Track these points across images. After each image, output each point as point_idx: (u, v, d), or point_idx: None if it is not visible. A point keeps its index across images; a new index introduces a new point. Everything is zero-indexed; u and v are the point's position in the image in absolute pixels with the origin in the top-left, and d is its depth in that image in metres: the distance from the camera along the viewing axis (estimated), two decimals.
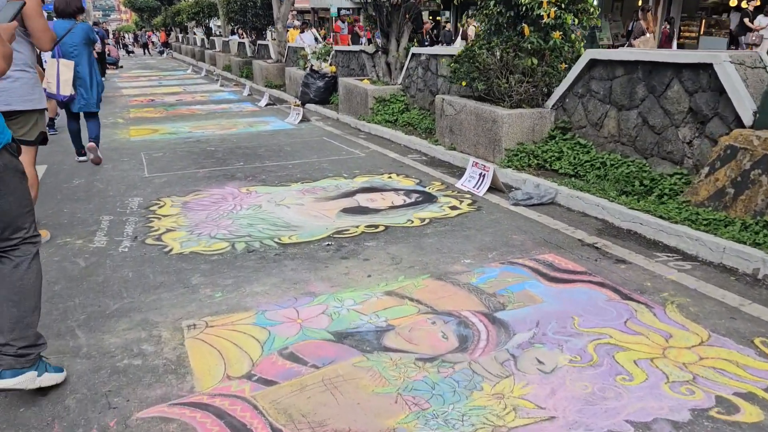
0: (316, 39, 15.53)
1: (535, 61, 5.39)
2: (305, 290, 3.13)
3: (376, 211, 4.52)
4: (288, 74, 12.56)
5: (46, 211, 4.57)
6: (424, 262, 3.50)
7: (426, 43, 16.90)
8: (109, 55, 19.52)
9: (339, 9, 33.16)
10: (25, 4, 2.38)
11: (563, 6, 5.33)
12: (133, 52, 38.11)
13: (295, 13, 26.17)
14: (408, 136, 7.06)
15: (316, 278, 3.29)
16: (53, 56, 5.66)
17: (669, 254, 3.55)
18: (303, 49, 12.47)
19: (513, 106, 5.58)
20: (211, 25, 26.24)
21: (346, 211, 4.53)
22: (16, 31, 2.72)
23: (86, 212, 4.57)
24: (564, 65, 5.59)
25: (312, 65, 10.91)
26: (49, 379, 2.22)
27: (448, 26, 20.86)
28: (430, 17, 22.97)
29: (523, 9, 5.35)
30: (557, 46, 5.37)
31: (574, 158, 5.07)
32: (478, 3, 5.99)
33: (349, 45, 9.14)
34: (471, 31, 18.13)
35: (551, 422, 2.05)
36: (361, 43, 8.10)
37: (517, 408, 2.13)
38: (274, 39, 15.29)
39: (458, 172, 5.71)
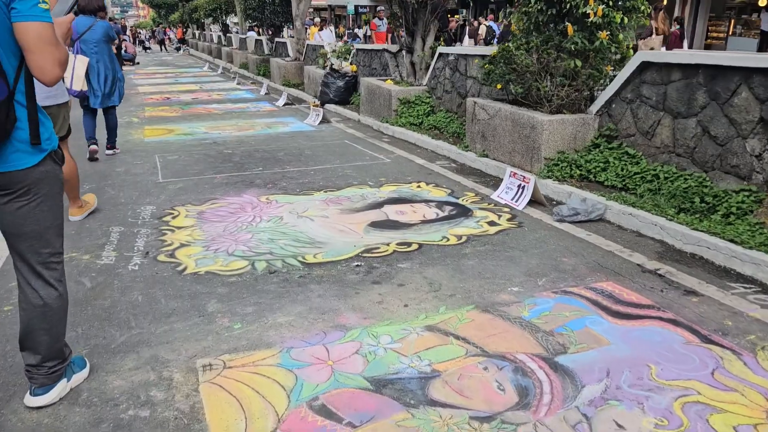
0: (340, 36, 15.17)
1: (579, 63, 4.97)
2: (335, 322, 2.77)
3: (408, 225, 4.14)
4: (307, 73, 12.22)
5: None
6: (466, 289, 3.12)
7: (455, 43, 16.47)
8: (125, 51, 19.33)
9: (356, 6, 32.85)
10: None
11: (611, 3, 4.90)
12: (150, 48, 38.06)
13: (311, 10, 25.84)
14: (435, 141, 6.67)
15: (347, 307, 2.92)
16: (73, 52, 5.72)
17: (745, 285, 3.13)
18: (322, 47, 12.12)
19: (553, 111, 5.16)
20: (228, 21, 26.03)
21: (375, 225, 4.16)
22: None
23: (95, 222, 4.25)
24: (609, 68, 5.16)
25: (332, 64, 10.55)
26: (77, 379, 2.27)
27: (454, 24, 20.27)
28: (448, 15, 22.43)
29: (567, 6, 4.93)
30: (603, 47, 4.94)
31: (622, 169, 4.65)
32: (516, 0, 5.58)
33: (387, 44, 8.77)
34: (482, 31, 17.63)
35: None
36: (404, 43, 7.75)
37: None
38: (293, 36, 14.96)
39: (492, 181, 5.32)
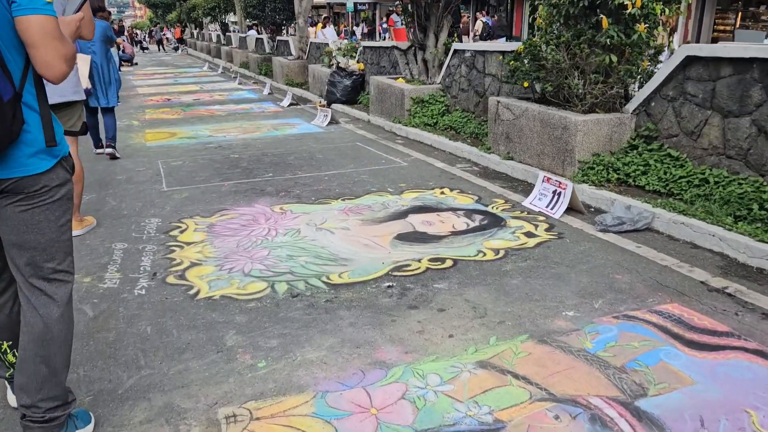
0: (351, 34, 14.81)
1: (614, 59, 4.62)
2: (373, 358, 2.42)
3: (437, 238, 3.79)
4: (311, 72, 11.85)
5: None
6: (516, 314, 2.77)
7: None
8: (123, 51, 18.94)
9: (355, 4, 32.41)
10: None
11: None
12: (147, 48, 37.62)
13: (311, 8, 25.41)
14: (454, 143, 6.31)
15: (384, 339, 2.58)
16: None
17: None
18: (327, 45, 11.75)
19: (585, 110, 4.81)
20: (227, 21, 25.62)
21: (401, 237, 3.81)
22: None
23: (97, 238, 3.90)
24: (646, 63, 4.81)
25: (338, 62, 10.19)
26: None
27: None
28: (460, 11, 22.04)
29: None
30: (642, 41, 4.58)
31: (665, 173, 4.31)
32: None
33: (409, 41, 8.44)
34: (478, 26, 17.31)
35: None
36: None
37: None
38: (294, 34, 14.58)
39: (520, 186, 4.97)
